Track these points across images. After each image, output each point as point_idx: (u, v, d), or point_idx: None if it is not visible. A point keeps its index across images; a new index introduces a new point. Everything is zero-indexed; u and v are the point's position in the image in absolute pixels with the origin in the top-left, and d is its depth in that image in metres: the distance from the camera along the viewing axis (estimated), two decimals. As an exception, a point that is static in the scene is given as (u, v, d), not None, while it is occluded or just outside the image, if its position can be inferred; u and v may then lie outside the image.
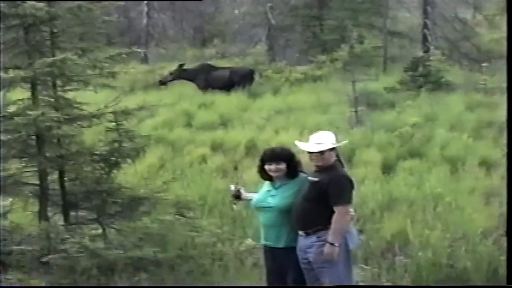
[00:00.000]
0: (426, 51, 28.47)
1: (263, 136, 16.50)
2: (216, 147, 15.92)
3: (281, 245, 7.21)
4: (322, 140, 7.10)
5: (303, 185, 7.16)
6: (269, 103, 21.07)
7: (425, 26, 30.29)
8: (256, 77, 25.25)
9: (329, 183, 6.97)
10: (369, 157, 14.36)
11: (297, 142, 7.35)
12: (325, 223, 6.93)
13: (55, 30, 8.76)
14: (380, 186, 12.13)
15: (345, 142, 7.75)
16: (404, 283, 8.84)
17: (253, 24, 34.19)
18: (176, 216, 9.14)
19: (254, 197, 7.50)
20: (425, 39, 30.07)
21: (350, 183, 7.11)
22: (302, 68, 27.44)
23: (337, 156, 7.22)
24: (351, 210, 7.17)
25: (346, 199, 7.02)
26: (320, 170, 7.09)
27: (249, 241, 9.54)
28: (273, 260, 7.29)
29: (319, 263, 7.00)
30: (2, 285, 7.58)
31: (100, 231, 8.87)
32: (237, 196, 7.70)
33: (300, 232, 7.10)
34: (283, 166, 7.22)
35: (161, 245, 8.71)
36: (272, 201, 7.22)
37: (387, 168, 13.81)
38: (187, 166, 14.06)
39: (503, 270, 8.77)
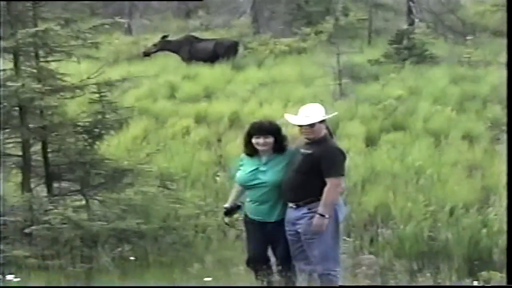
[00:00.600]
0: (411, 24, 28.41)
1: (247, 108, 16.49)
2: (199, 119, 15.90)
3: (273, 219, 7.21)
4: (312, 113, 7.10)
5: (292, 158, 7.17)
6: (253, 75, 21.02)
7: (410, -2, 30.22)
8: (241, 49, 25.15)
9: (322, 155, 6.99)
10: (352, 129, 14.39)
11: (286, 116, 7.33)
12: (318, 195, 6.96)
13: (37, 0, 8.71)
14: (363, 159, 12.18)
15: (335, 114, 7.77)
16: (386, 256, 8.93)
17: (238, -5, 34.03)
18: (160, 188, 9.18)
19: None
20: (410, 11, 29.96)
21: (343, 155, 7.16)
22: (286, 40, 27.33)
23: (327, 128, 7.24)
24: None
25: (338, 171, 7.05)
26: (311, 142, 7.10)
27: (232, 213, 9.56)
28: (262, 234, 7.27)
29: (309, 235, 7.03)
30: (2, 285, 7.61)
31: (83, 202, 8.89)
32: (238, 207, 7.53)
33: (290, 204, 7.12)
34: (270, 139, 7.19)
35: (144, 217, 8.74)
36: (264, 177, 7.19)
37: (371, 141, 13.85)
38: (170, 138, 14.06)
39: (484, 243, 8.87)
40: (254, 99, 17.59)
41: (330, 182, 6.95)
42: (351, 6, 30.36)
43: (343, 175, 7.16)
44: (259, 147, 7.22)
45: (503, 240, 8.78)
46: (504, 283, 7.72)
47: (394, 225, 9.52)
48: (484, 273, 8.14)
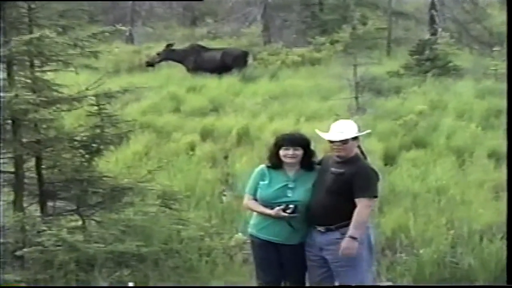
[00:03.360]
0: (434, 33, 28.50)
1: (257, 123, 16.49)
2: (206, 134, 15.92)
3: (293, 242, 7.17)
4: (345, 129, 7.11)
5: (318, 177, 7.16)
6: (263, 88, 21.07)
7: (432, 6, 30.31)
8: (250, 59, 25.25)
9: (355, 174, 6.99)
10: (370, 146, 14.32)
11: (318, 131, 7.32)
12: (350, 218, 6.90)
13: (33, 6, 8.74)
14: (381, 178, 12.15)
15: (368, 131, 7.77)
16: (405, 283, 8.90)
17: (248, 2, 34.17)
18: (161, 207, 9.17)
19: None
20: (432, 20, 30.09)
21: (376, 176, 7.16)
22: (299, 50, 27.45)
23: (359, 147, 7.26)
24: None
25: (371, 192, 7.04)
26: (342, 161, 7.09)
27: (239, 236, 9.57)
28: (278, 258, 7.22)
29: (342, 262, 6.96)
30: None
31: (79, 223, 8.88)
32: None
33: (319, 228, 7.06)
34: (300, 152, 7.20)
35: (144, 239, 8.74)
36: (293, 195, 7.15)
37: (390, 159, 13.85)
38: (173, 154, 14.07)
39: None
40: (265, 113, 17.60)
41: (361, 203, 6.92)
42: (370, 14, 30.52)
43: (376, 196, 7.16)
44: (286, 160, 7.21)
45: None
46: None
47: (414, 249, 9.50)
48: (510, 302, 8.12)
